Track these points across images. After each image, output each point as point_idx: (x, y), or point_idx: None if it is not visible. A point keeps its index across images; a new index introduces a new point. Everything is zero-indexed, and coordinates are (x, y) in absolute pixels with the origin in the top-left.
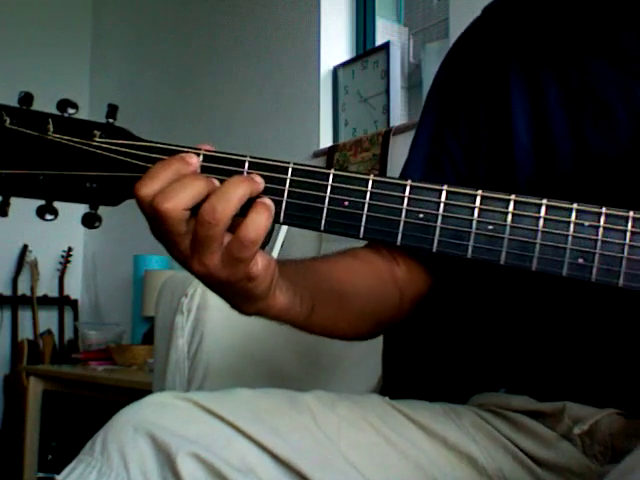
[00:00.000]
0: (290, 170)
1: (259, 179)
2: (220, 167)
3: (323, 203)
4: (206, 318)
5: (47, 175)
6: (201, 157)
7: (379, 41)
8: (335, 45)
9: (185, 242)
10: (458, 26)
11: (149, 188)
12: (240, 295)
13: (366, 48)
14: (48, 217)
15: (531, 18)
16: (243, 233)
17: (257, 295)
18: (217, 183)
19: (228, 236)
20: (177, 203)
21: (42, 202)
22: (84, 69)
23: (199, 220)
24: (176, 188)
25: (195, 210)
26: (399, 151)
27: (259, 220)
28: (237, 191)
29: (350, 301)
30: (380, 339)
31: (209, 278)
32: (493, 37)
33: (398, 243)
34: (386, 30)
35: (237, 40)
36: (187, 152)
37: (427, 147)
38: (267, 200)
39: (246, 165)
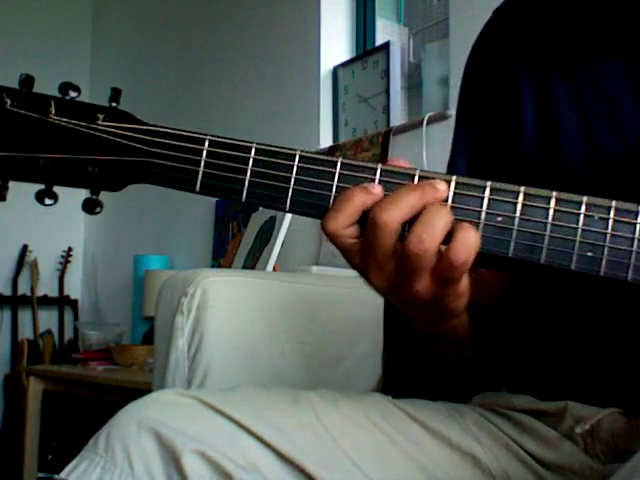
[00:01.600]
0: (297, 157)
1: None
2: (226, 153)
3: (330, 191)
4: (206, 318)
5: (48, 159)
6: (207, 143)
7: (379, 41)
8: (335, 45)
9: (390, 265)
10: (458, 26)
11: (337, 223)
12: (438, 312)
13: (366, 48)
14: (47, 202)
15: (541, 17)
16: (454, 256)
17: (455, 312)
18: (429, 194)
19: (436, 258)
20: (395, 215)
21: (42, 187)
22: (84, 67)
23: (406, 253)
24: (393, 200)
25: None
26: (399, 151)
27: (468, 239)
28: (442, 219)
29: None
30: (380, 338)
31: (415, 300)
32: (504, 39)
33: None
34: (386, 30)
35: (237, 40)
36: (195, 137)
37: (464, 164)
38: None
39: (252, 151)
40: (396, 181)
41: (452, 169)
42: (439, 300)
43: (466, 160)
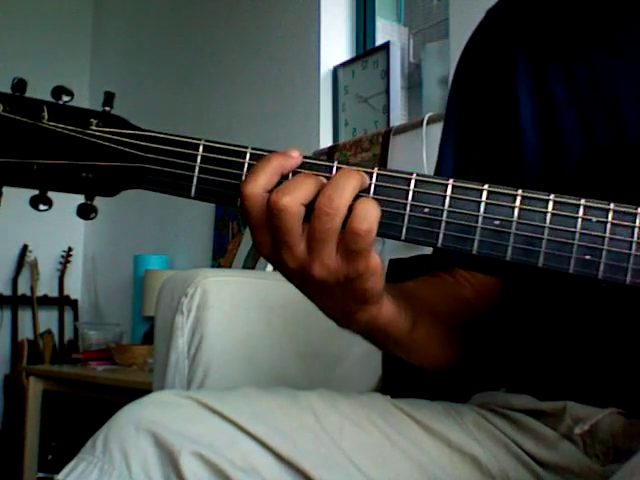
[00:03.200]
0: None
1: (366, 176)
2: (221, 158)
3: None
4: (206, 318)
5: (41, 164)
6: (201, 148)
7: (379, 41)
8: (335, 45)
9: (300, 246)
10: (458, 26)
11: (255, 184)
12: (356, 297)
13: (366, 48)
14: (42, 207)
15: (535, 16)
16: (356, 224)
17: (373, 296)
18: (324, 180)
19: (341, 234)
20: (295, 197)
21: (36, 192)
22: (84, 68)
23: (316, 214)
24: (291, 184)
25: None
26: (399, 151)
27: (368, 208)
28: (351, 182)
29: (439, 320)
30: None
31: (328, 281)
32: (498, 37)
33: (402, 238)
34: (386, 30)
35: (237, 40)
36: (189, 142)
37: (452, 161)
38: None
39: (247, 156)
40: (389, 185)
41: (439, 171)
42: (353, 280)
43: (454, 160)
